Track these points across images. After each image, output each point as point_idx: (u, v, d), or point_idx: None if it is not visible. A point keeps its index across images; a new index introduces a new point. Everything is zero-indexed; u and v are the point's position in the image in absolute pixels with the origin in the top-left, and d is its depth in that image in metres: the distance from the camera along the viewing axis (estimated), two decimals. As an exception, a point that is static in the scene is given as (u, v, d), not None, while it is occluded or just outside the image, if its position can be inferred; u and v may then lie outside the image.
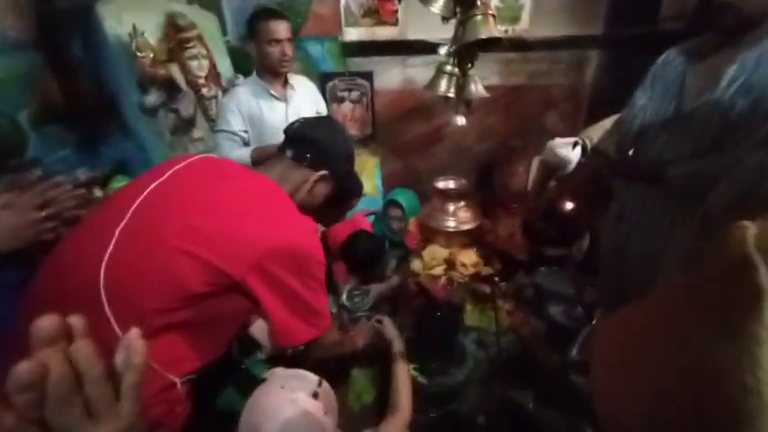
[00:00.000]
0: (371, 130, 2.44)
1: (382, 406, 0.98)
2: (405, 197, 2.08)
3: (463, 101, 1.13)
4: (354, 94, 2.35)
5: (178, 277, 0.70)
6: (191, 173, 0.85)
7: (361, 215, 2.14)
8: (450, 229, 1.34)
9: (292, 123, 0.96)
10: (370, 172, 2.44)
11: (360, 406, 1.36)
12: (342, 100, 2.37)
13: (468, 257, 1.31)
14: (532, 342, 1.75)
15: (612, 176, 1.25)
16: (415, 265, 1.39)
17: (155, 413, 0.71)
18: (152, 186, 0.79)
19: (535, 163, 2.41)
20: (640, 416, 0.30)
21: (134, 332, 0.34)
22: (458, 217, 1.35)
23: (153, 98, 1.66)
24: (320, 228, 0.99)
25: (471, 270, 1.31)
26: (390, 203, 2.09)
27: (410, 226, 1.52)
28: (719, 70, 0.96)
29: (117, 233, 0.72)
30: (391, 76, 2.36)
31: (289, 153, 0.91)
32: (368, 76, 2.32)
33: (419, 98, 2.40)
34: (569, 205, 2.00)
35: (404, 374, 1.00)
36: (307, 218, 0.86)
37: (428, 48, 2.20)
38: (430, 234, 1.39)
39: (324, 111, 1.86)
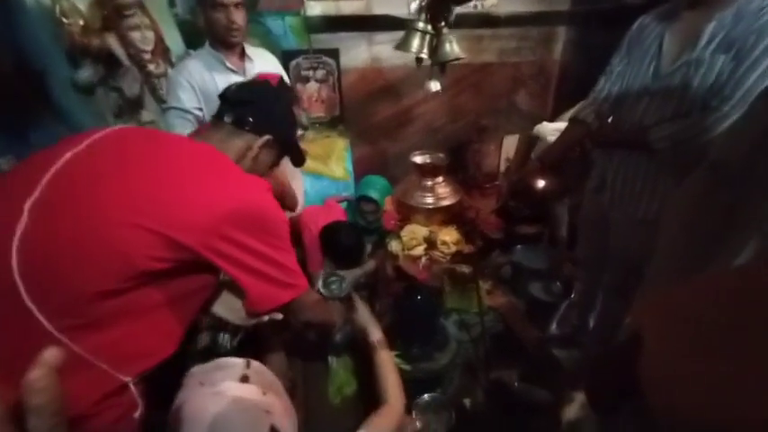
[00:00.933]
0: (339, 111, 2.31)
1: (365, 397, 0.90)
2: (375, 189, 1.98)
3: (438, 63, 1.04)
4: (320, 73, 2.21)
5: (124, 253, 0.62)
6: (117, 142, 0.73)
7: (334, 201, 2.03)
8: (429, 206, 1.27)
9: (229, 87, 0.88)
10: (339, 155, 2.32)
11: (341, 399, 1.28)
12: (307, 80, 2.22)
13: (450, 235, 1.25)
14: (513, 320, 1.74)
15: (593, 146, 1.23)
16: (394, 246, 1.31)
17: (105, 419, 0.65)
18: (67, 157, 0.67)
19: (510, 141, 2.40)
20: (701, 405, 0.29)
21: (42, 360, 0.24)
22: (436, 193, 1.28)
23: (87, 73, 1.46)
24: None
25: (453, 248, 1.25)
26: (362, 199, 1.99)
27: (386, 205, 1.43)
28: (697, 30, 0.95)
29: (26, 210, 0.60)
30: (358, 53, 2.24)
31: (228, 118, 0.84)
32: (334, 53, 2.19)
33: (387, 76, 2.30)
34: (542, 182, 2.00)
35: (388, 363, 0.93)
36: (257, 177, 0.80)
37: (395, 23, 2.09)
38: (408, 212, 1.31)
39: (287, 87, 1.72)
